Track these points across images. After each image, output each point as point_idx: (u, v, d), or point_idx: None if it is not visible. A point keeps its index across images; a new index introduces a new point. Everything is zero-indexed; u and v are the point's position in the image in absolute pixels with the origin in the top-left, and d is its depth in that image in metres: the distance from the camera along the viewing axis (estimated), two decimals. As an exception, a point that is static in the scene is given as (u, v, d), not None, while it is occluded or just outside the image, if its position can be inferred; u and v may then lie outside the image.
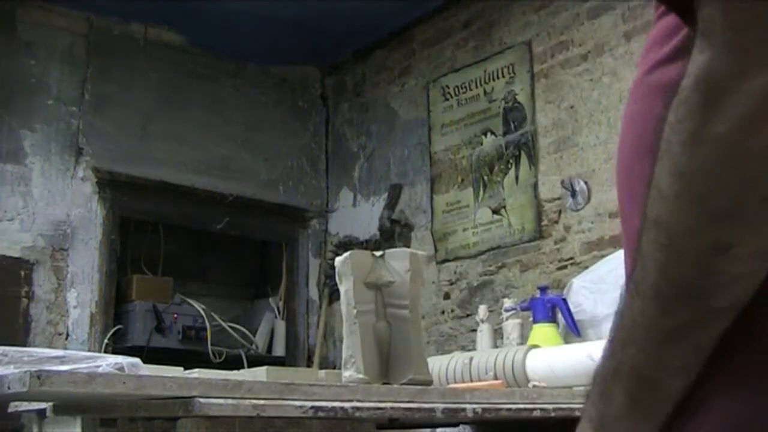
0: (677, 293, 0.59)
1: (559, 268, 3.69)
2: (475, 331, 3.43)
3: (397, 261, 1.64)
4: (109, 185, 4.33)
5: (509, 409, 1.56)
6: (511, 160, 4.02)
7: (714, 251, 0.57)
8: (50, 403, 1.49)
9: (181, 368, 1.92)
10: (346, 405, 1.33)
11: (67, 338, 4.05)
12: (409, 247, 4.29)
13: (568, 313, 2.45)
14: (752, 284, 0.58)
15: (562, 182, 3.75)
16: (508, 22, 4.15)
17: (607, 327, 2.36)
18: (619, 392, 0.64)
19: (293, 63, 5.11)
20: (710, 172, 0.55)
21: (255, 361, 4.06)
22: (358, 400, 1.36)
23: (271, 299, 4.96)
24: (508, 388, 1.88)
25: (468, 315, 4.01)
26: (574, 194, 3.69)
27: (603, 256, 2.91)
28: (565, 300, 2.49)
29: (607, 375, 0.65)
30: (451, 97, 4.37)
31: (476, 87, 4.25)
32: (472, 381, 1.96)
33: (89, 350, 3.98)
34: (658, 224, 0.59)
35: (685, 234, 0.58)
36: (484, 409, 1.52)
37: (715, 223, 0.56)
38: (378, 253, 1.66)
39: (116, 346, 4.10)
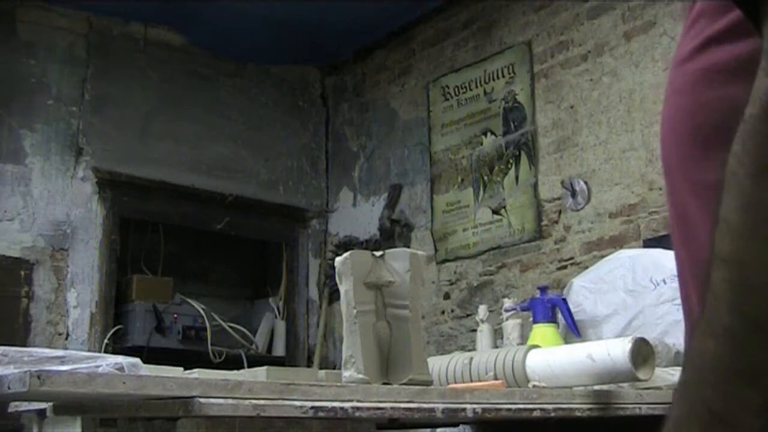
0: (753, 333, 0.56)
1: (559, 268, 3.69)
2: (475, 331, 3.43)
3: (397, 261, 1.64)
4: (109, 185, 4.32)
5: (509, 409, 1.56)
6: (511, 160, 4.02)
7: None
8: (50, 403, 1.49)
9: (181, 368, 1.92)
10: (346, 405, 1.33)
11: (67, 338, 4.05)
12: (409, 247, 4.29)
13: (568, 313, 2.45)
14: None
15: (562, 182, 3.75)
16: (508, 22, 4.15)
17: (607, 327, 2.36)
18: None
19: (293, 63, 5.11)
20: None
21: (255, 361, 4.06)
22: (358, 400, 1.36)
23: (271, 299, 4.96)
24: (508, 388, 1.88)
25: (468, 315, 4.01)
26: (574, 194, 3.69)
27: (603, 256, 2.91)
28: (565, 300, 2.49)
29: (681, 418, 0.62)
30: (451, 97, 4.37)
31: (476, 87, 4.25)
32: (472, 381, 1.96)
33: (89, 350, 3.98)
34: (729, 261, 0.56)
35: (759, 271, 0.54)
36: (484, 409, 1.52)
37: None
38: (378, 253, 1.66)
39: (116, 346, 4.10)
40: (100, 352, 3.94)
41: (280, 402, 1.27)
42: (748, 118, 0.53)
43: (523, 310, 2.69)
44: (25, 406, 1.68)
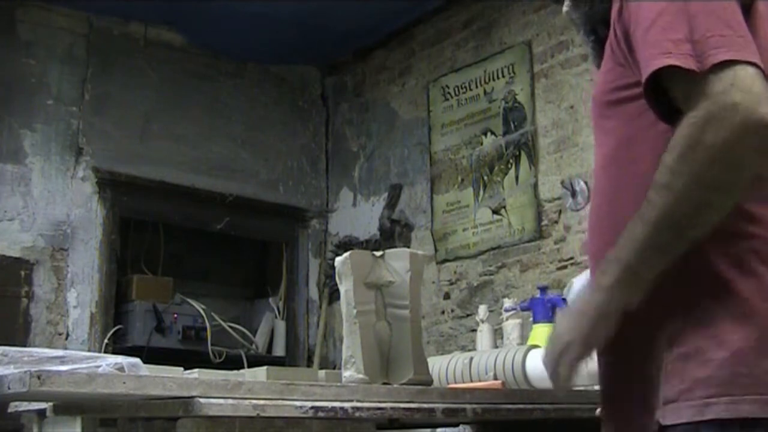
0: (669, 225, 1.03)
1: (559, 268, 3.69)
2: (475, 331, 3.43)
3: (397, 261, 1.64)
4: (109, 185, 4.32)
5: (509, 409, 1.56)
6: (511, 160, 4.02)
7: (704, 207, 1.02)
8: (50, 403, 1.49)
9: (181, 368, 1.92)
10: (346, 405, 1.33)
11: (67, 338, 4.05)
12: (409, 247, 4.29)
13: (568, 313, 2.44)
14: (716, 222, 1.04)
15: (562, 182, 3.75)
16: (508, 22, 4.15)
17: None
18: (612, 269, 1.08)
19: (293, 63, 5.10)
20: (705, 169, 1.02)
21: (255, 361, 4.06)
22: (358, 400, 1.36)
23: (271, 299, 4.95)
24: (508, 388, 1.88)
25: (468, 315, 4.01)
26: (574, 194, 3.68)
27: (603, 256, 2.91)
28: (565, 300, 2.49)
29: (613, 257, 1.09)
30: (451, 97, 4.37)
31: (476, 87, 4.24)
32: (472, 381, 1.96)
33: (89, 350, 3.98)
34: (667, 186, 1.02)
35: (683, 194, 1.02)
36: (484, 409, 1.52)
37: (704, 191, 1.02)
38: (378, 253, 1.66)
39: (116, 346, 4.10)
40: (100, 352, 3.95)
41: (280, 402, 1.27)
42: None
43: (523, 310, 2.69)
44: (25, 406, 1.68)
